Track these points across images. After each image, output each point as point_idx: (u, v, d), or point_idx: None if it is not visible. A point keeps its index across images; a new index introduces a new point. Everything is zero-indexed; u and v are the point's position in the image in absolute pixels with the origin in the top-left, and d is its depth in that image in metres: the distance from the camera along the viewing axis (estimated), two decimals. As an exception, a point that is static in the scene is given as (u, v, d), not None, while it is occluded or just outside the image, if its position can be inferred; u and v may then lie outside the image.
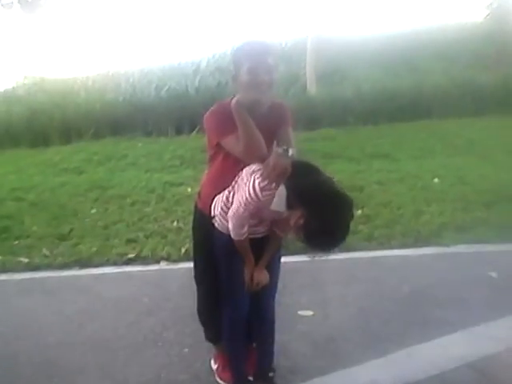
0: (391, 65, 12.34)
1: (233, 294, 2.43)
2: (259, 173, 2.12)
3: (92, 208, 5.90)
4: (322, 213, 1.97)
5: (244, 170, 2.27)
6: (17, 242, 5.07)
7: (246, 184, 2.16)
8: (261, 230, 2.30)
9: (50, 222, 5.52)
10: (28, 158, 8.58)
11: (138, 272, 4.35)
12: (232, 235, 2.23)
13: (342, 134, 8.98)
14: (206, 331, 2.74)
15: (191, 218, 2.66)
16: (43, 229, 5.32)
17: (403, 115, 10.03)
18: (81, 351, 3.06)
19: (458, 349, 2.82)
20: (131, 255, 4.66)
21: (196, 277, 2.64)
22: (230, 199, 2.26)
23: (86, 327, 3.36)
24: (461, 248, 4.50)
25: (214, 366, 2.74)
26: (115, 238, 4.99)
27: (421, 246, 4.61)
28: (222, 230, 2.32)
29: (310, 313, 3.35)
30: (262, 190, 2.06)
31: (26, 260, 4.65)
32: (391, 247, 4.63)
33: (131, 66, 12.76)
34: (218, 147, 2.37)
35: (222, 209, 2.30)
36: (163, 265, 4.40)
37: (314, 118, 9.83)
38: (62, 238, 5.11)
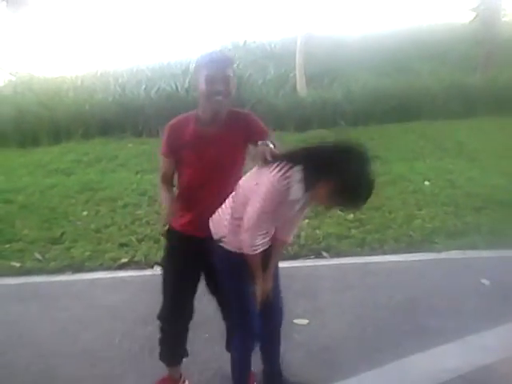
0: (381, 65, 12.39)
1: (246, 314, 2.37)
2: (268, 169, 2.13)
3: (83, 210, 5.85)
4: (348, 173, 2.06)
5: (242, 179, 2.30)
6: (8, 246, 5.02)
7: (255, 185, 2.16)
8: (267, 241, 2.24)
9: (41, 225, 5.47)
10: (17, 158, 8.49)
11: (132, 277, 4.33)
12: (246, 250, 2.17)
13: (332, 135, 8.98)
14: (167, 349, 2.67)
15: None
16: (34, 232, 5.27)
17: (393, 116, 10.10)
18: (76, 361, 3.04)
19: (451, 360, 2.85)
20: (124, 260, 4.64)
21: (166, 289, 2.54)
22: (235, 213, 2.23)
23: (80, 336, 3.34)
24: (453, 254, 4.55)
25: None
26: (108, 242, 4.97)
27: (413, 252, 4.66)
28: (232, 250, 2.26)
29: (305, 321, 3.37)
30: (278, 180, 2.06)
31: (18, 264, 4.62)
32: (384, 252, 4.67)
33: (120, 65, 12.66)
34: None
35: (230, 225, 2.25)
36: (157, 270, 4.39)
37: (303, 119, 9.88)
38: (54, 241, 5.07)
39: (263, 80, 11.23)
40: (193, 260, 2.41)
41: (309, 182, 2.06)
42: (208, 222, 2.33)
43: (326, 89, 10.95)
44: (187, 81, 10.59)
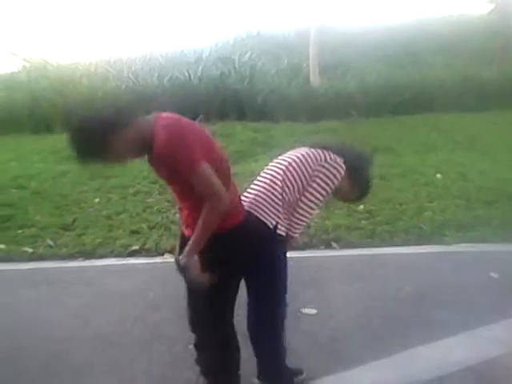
0: (395, 57, 12.30)
1: (283, 292, 2.46)
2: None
3: (95, 197, 5.91)
4: (362, 174, 2.53)
5: (285, 160, 2.41)
6: (20, 231, 5.10)
7: (308, 170, 2.35)
8: None
9: (53, 212, 5.54)
10: (30, 144, 8.59)
11: (143, 264, 4.38)
12: (296, 232, 2.38)
13: (345, 126, 8.95)
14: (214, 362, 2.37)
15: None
16: (47, 218, 5.34)
17: (406, 108, 10.05)
18: (86, 347, 3.08)
19: (458, 351, 2.85)
20: (135, 247, 4.69)
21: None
22: (286, 196, 2.34)
23: (91, 322, 3.39)
24: (462, 247, 4.53)
25: None
26: (119, 229, 5.02)
27: (423, 244, 4.64)
28: (284, 233, 2.36)
29: (313, 311, 3.39)
30: (339, 169, 2.36)
31: (31, 250, 4.69)
32: (393, 244, 4.66)
33: (133, 52, 12.67)
34: None
35: (282, 209, 2.34)
36: (167, 257, 4.42)
37: (316, 109, 9.85)
38: (66, 228, 5.14)
39: (276, 70, 11.21)
40: None
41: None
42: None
43: (339, 80, 10.89)
44: (200, 70, 10.59)
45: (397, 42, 13.06)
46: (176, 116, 2.08)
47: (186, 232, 2.19)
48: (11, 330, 3.28)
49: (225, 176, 2.09)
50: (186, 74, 10.42)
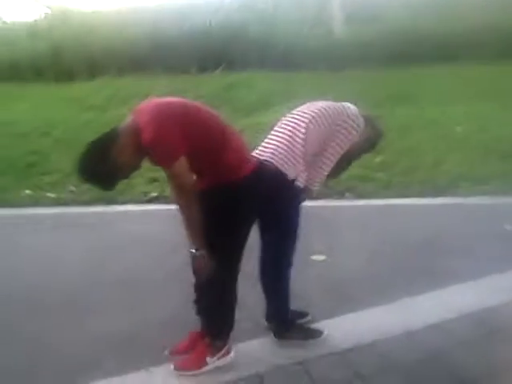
0: (422, 5, 11.85)
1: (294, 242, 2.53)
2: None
3: (116, 146, 6.01)
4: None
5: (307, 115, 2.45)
6: (44, 178, 5.27)
7: (331, 124, 2.41)
8: None
9: (75, 159, 5.67)
10: (53, 93, 8.69)
11: (161, 211, 4.52)
12: (315, 185, 2.45)
13: (367, 76, 8.79)
14: (224, 330, 2.43)
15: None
16: (69, 165, 5.44)
17: (430, 58, 9.76)
18: (106, 286, 3.24)
19: (460, 299, 2.91)
20: (154, 194, 4.82)
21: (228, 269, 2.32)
22: (308, 149, 2.39)
23: (111, 263, 3.55)
24: (477, 199, 4.54)
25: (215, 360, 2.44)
26: (138, 177, 5.12)
27: (438, 196, 4.67)
28: (302, 185, 2.42)
29: (322, 257, 3.49)
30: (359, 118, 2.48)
31: (53, 195, 4.86)
32: (408, 196, 4.69)
33: (154, 0, 12.48)
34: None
35: (304, 162, 2.39)
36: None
37: (338, 59, 9.66)
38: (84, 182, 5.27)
39: (300, 18, 10.94)
40: None
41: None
42: None
43: (363, 28, 10.59)
44: (221, 17, 10.42)
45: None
46: (155, 105, 2.10)
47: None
48: (35, 270, 3.47)
49: (222, 137, 2.15)
50: (207, 22, 10.26)
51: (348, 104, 2.55)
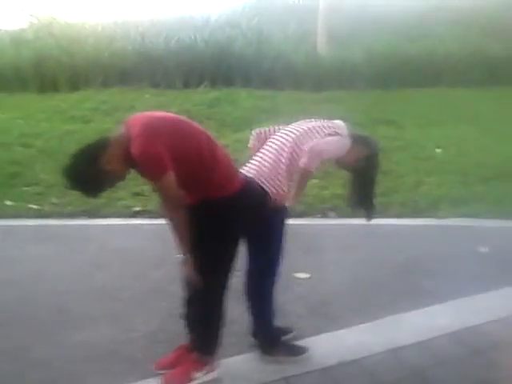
0: (405, 28, 12.15)
1: (279, 259, 2.59)
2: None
3: (99, 159, 6.00)
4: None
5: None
6: (26, 189, 5.23)
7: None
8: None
9: (58, 170, 5.62)
10: (36, 103, 8.62)
11: (144, 225, 4.52)
12: (307, 166, 2.41)
13: (350, 97, 8.97)
14: (212, 344, 2.45)
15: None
16: (52, 177, 5.43)
17: (413, 81, 10.02)
18: (90, 299, 3.24)
19: (441, 319, 2.99)
20: (137, 208, 4.82)
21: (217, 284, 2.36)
22: (292, 169, 2.46)
23: (95, 277, 3.54)
24: (455, 221, 4.65)
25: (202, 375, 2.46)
26: (122, 191, 5.11)
27: (417, 217, 4.77)
28: (285, 202, 2.49)
29: (306, 275, 3.54)
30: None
31: (36, 207, 4.83)
32: (389, 216, 4.78)
33: (141, 14, 12.53)
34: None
35: (287, 181, 2.46)
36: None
37: (322, 78, 9.84)
38: (69, 188, 5.24)
39: (284, 36, 11.12)
40: None
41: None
42: None
43: (346, 49, 10.80)
44: (207, 34, 10.53)
45: (408, 13, 12.90)
46: (146, 118, 2.16)
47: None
48: (17, 283, 3.44)
49: (210, 154, 2.20)
50: (193, 38, 10.35)
51: (337, 124, 2.64)
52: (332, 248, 4.03)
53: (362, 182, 2.73)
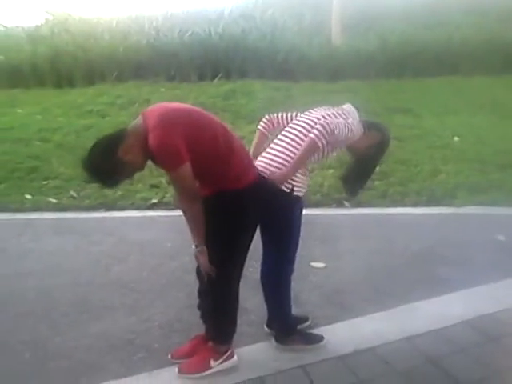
0: (421, 16, 12.00)
1: (295, 249, 2.59)
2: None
3: (116, 152, 6.06)
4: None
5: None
6: (45, 183, 5.31)
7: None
8: None
9: (76, 164, 5.71)
10: (53, 98, 8.72)
11: (161, 217, 4.56)
12: (315, 138, 2.35)
13: (365, 86, 8.89)
14: (227, 334, 2.49)
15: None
16: (70, 170, 5.52)
17: (429, 70, 9.91)
18: (108, 291, 3.29)
19: (456, 307, 2.98)
20: (154, 200, 4.87)
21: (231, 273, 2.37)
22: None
23: (112, 268, 3.59)
24: (472, 209, 4.61)
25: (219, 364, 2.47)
26: (139, 183, 5.18)
27: (433, 205, 4.74)
28: (302, 194, 2.48)
29: (321, 265, 3.55)
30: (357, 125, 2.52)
31: (55, 201, 4.90)
32: (404, 205, 4.77)
33: (155, 8, 12.58)
34: None
35: (301, 171, 2.43)
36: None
37: (337, 69, 9.78)
38: (89, 180, 5.30)
39: (298, 28, 11.06)
40: None
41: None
42: None
43: (361, 39, 10.71)
44: (221, 27, 10.52)
45: (423, 1, 12.73)
46: (163, 109, 2.16)
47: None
48: (37, 275, 3.50)
49: (226, 145, 2.20)
50: (207, 31, 10.36)
51: (347, 108, 2.61)
52: (348, 237, 4.03)
53: (366, 166, 2.71)
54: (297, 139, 2.46)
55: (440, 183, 5.16)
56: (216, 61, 9.79)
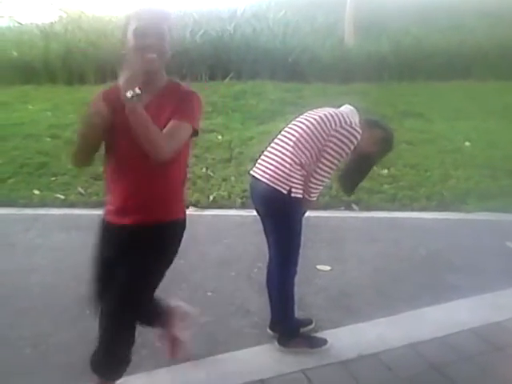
0: (433, 20, 11.92)
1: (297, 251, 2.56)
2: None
3: (125, 150, 6.07)
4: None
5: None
6: (54, 179, 5.32)
7: (322, 135, 2.41)
8: None
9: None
10: (64, 95, 8.76)
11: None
12: (312, 196, 2.45)
13: (376, 89, 8.85)
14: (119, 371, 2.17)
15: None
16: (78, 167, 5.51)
17: (441, 74, 9.84)
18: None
19: (463, 314, 2.94)
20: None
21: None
22: (298, 160, 2.41)
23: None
24: (482, 215, 4.56)
25: None
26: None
27: (442, 211, 4.69)
28: (300, 195, 2.45)
29: (327, 268, 3.52)
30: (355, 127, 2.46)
31: (63, 197, 4.91)
32: (413, 209, 4.72)
33: (168, 8, 12.57)
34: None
35: (297, 173, 2.41)
36: (192, 210, 4.56)
37: (348, 71, 9.73)
38: (96, 177, 5.30)
39: (310, 29, 11.02)
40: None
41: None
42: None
43: (373, 41, 10.65)
44: (232, 26, 10.51)
45: (436, 4, 12.65)
46: None
47: (120, 219, 2.08)
48: (43, 270, 3.51)
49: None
50: (219, 31, 10.35)
51: (345, 110, 2.57)
52: (355, 240, 4.00)
53: (365, 164, 2.69)
54: (293, 139, 2.45)
55: (450, 188, 5.11)
56: (227, 61, 9.78)
